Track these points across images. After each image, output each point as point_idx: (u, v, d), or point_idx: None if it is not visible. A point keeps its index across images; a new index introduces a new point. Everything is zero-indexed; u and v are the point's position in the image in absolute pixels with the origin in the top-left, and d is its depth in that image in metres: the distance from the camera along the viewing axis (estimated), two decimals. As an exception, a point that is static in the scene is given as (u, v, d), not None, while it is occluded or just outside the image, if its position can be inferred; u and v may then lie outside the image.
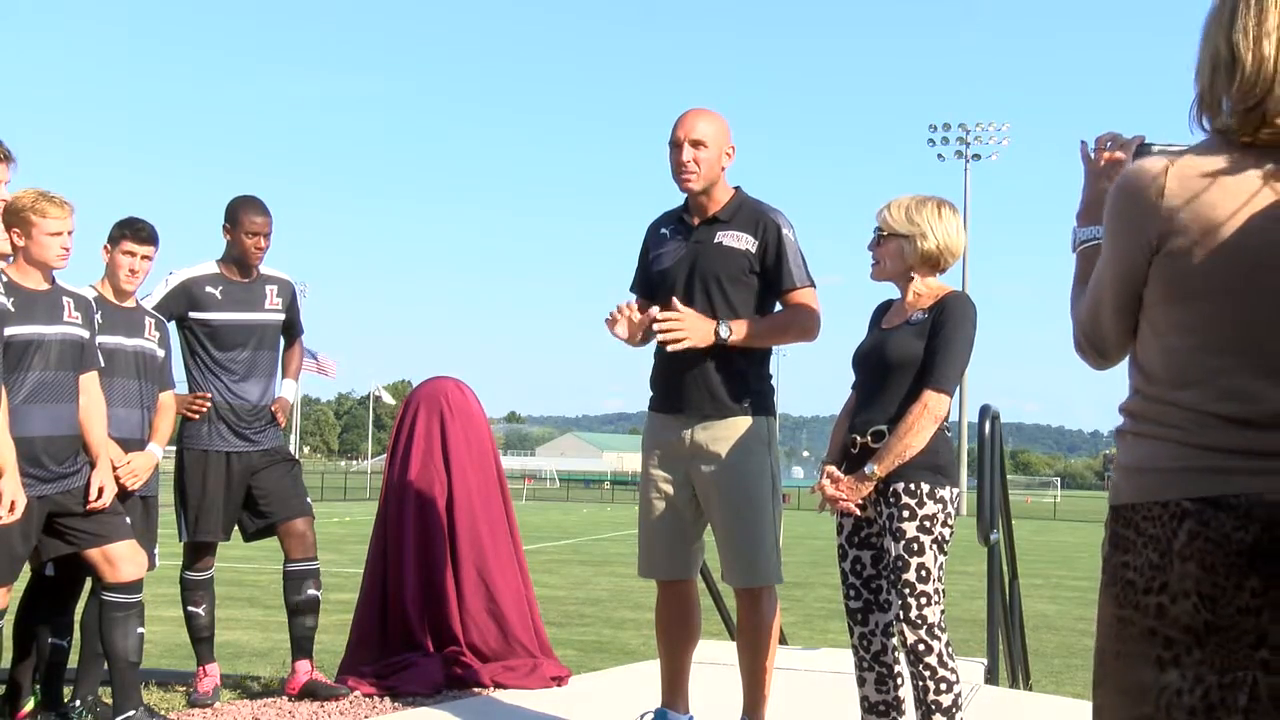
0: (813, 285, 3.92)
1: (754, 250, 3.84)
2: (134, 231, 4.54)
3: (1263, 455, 1.73)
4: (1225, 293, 1.77)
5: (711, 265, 3.85)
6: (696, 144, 3.82)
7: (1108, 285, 1.91)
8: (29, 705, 4.57)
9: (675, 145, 3.84)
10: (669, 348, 3.76)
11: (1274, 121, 1.75)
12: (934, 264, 3.54)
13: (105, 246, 4.56)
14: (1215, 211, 1.76)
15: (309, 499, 5.11)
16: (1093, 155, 2.19)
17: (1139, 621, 1.77)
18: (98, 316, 4.37)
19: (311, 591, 4.94)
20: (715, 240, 3.86)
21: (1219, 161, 1.78)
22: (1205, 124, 1.84)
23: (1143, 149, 2.07)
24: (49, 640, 4.45)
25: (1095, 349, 1.98)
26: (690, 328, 3.74)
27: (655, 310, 3.80)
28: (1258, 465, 1.72)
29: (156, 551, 4.70)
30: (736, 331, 3.77)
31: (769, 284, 3.87)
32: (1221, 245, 1.76)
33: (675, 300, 3.78)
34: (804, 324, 3.90)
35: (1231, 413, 1.75)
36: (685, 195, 3.93)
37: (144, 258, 4.56)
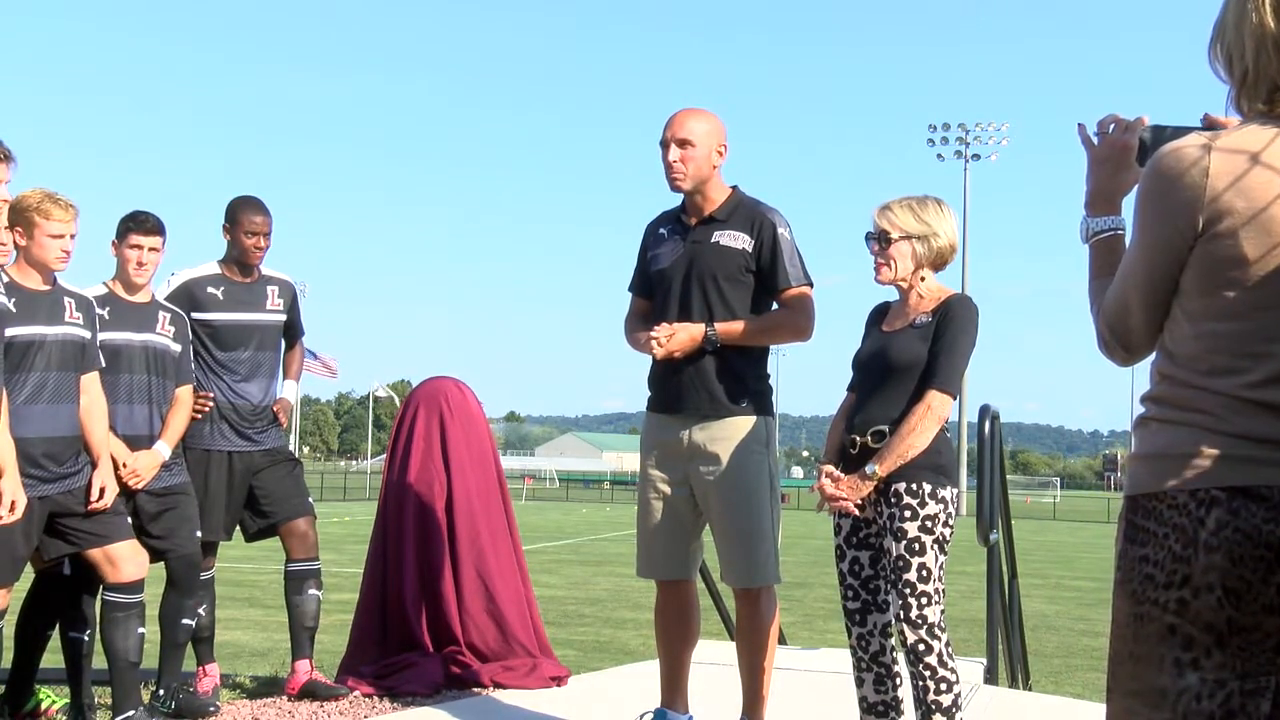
0: (809, 284, 3.92)
1: (750, 249, 3.85)
2: (138, 224, 4.51)
3: None
4: (1275, 278, 1.68)
5: (709, 265, 3.85)
6: (684, 143, 3.82)
7: (1140, 277, 1.81)
8: (31, 704, 4.58)
9: (663, 145, 3.85)
10: (656, 354, 3.82)
11: None
12: (941, 262, 3.55)
13: (113, 242, 4.54)
14: (1264, 193, 1.68)
15: (310, 499, 5.12)
16: (1095, 139, 2.05)
17: (1158, 618, 1.69)
18: (105, 313, 4.37)
19: (313, 591, 4.94)
20: (712, 240, 3.87)
21: (1265, 140, 1.70)
22: (1245, 106, 1.77)
23: (1157, 130, 1.98)
24: (68, 634, 4.45)
25: (1123, 345, 1.89)
26: (678, 342, 3.77)
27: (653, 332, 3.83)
28: None
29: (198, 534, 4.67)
30: (725, 337, 3.79)
31: (764, 283, 3.87)
32: (1272, 228, 1.68)
33: (663, 325, 3.81)
34: (797, 323, 3.90)
35: (1272, 400, 1.67)
36: (681, 195, 3.94)
37: (151, 249, 4.52)
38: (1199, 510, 1.67)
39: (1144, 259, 1.80)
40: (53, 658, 4.63)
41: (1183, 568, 1.67)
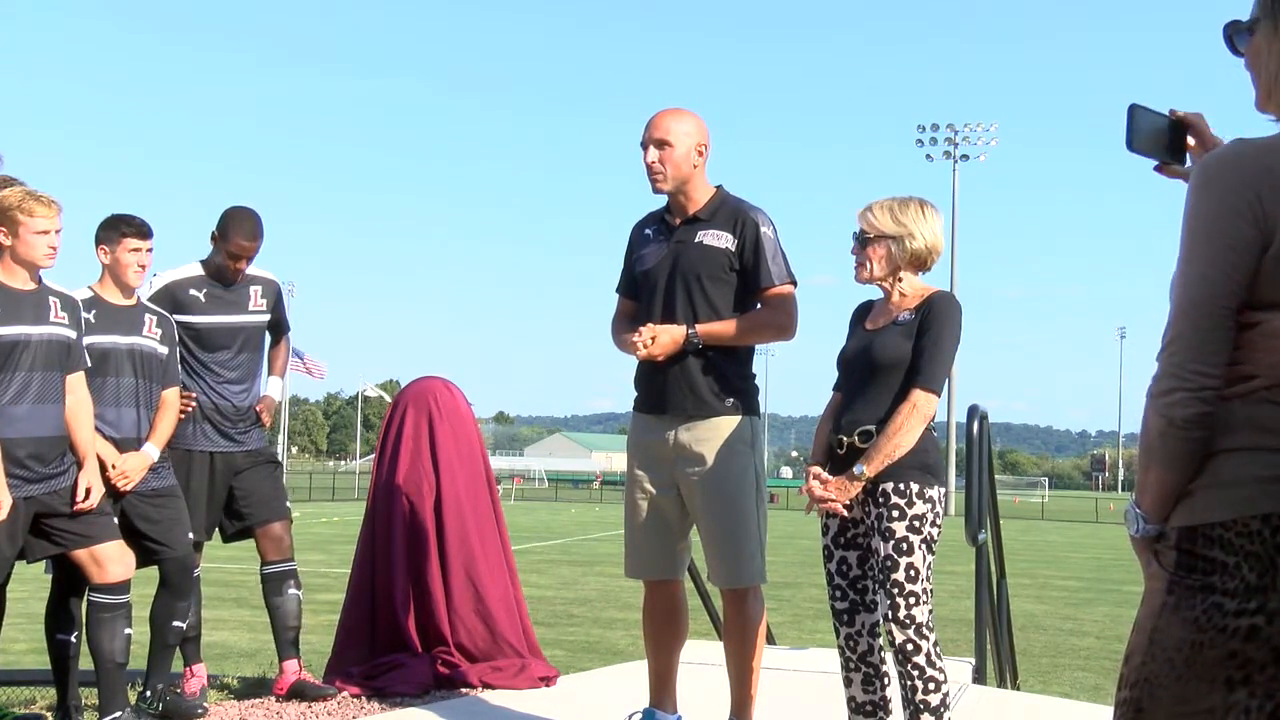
0: (792, 283, 3.92)
1: (733, 248, 3.85)
2: (135, 228, 4.50)
3: None
4: None
5: (692, 264, 3.86)
6: (661, 144, 3.83)
7: (1216, 288, 1.70)
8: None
9: (643, 146, 3.87)
10: (639, 355, 3.82)
11: None
12: (921, 263, 3.55)
13: (102, 248, 4.50)
14: None
15: (289, 502, 5.10)
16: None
17: (1221, 645, 1.65)
18: (90, 316, 4.35)
19: (292, 591, 4.93)
20: (695, 239, 3.87)
21: None
22: None
23: (1138, 111, 2.04)
24: (55, 635, 4.43)
25: (1207, 374, 1.70)
26: (660, 345, 3.77)
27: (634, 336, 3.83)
28: None
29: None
30: (706, 338, 3.79)
31: (747, 282, 3.87)
32: None
33: (647, 326, 3.81)
34: (780, 322, 3.90)
35: None
36: (665, 196, 3.95)
37: (148, 251, 4.53)
38: (1275, 537, 1.63)
39: (1218, 264, 1.71)
40: (39, 659, 4.62)
41: (1257, 596, 1.64)
